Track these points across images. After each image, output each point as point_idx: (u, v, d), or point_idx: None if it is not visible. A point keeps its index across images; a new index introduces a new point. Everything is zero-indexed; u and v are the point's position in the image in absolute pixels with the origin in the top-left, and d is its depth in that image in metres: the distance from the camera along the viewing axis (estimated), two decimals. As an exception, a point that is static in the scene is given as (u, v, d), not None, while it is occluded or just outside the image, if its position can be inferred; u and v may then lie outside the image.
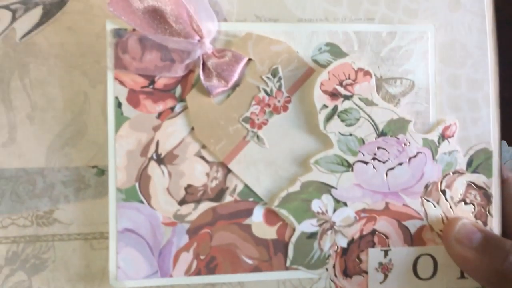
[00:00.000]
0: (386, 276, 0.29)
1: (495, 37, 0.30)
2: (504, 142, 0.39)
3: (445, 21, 0.29)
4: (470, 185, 0.29)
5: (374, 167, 0.29)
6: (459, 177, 0.29)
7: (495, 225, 0.29)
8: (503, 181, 0.29)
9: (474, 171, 0.29)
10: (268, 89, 0.28)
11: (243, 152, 0.28)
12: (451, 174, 0.29)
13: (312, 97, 0.28)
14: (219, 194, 0.28)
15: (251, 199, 0.28)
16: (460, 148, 0.29)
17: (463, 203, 0.29)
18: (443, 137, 0.29)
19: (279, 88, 0.28)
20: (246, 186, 0.28)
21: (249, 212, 0.28)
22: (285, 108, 0.28)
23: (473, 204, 0.29)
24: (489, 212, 0.29)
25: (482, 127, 0.29)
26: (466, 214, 0.29)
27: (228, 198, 0.28)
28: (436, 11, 0.29)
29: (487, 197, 0.29)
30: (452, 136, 0.29)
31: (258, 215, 0.28)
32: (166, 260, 0.27)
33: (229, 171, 0.28)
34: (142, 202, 0.27)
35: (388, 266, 0.29)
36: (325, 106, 0.28)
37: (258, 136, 0.28)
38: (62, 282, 0.27)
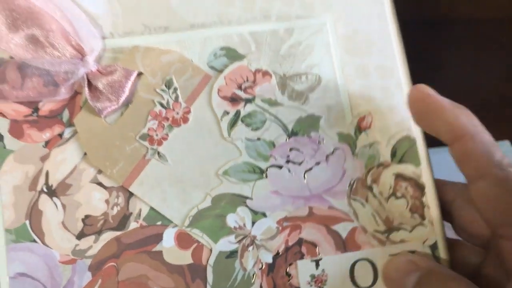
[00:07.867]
0: (321, 290, 0.26)
1: (396, 23, 0.28)
2: (507, 142, 0.37)
3: (344, 11, 0.28)
4: (399, 177, 0.27)
5: (289, 170, 0.26)
6: (385, 170, 0.27)
7: (434, 216, 0.27)
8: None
9: (400, 162, 0.27)
10: (164, 102, 0.26)
11: (144, 172, 0.26)
12: (376, 167, 0.27)
13: (211, 104, 0.26)
14: (122, 222, 0.25)
15: (159, 223, 0.25)
16: (381, 139, 0.27)
17: (393, 197, 0.27)
18: (359, 129, 0.27)
19: (176, 99, 0.26)
20: (152, 209, 0.25)
21: (158, 237, 0.25)
22: (185, 120, 0.26)
23: (405, 197, 0.27)
24: (424, 204, 0.27)
25: (400, 114, 0.27)
26: (399, 208, 0.27)
27: (133, 225, 0.25)
28: (333, 2, 0.28)
29: (419, 187, 0.27)
30: (369, 127, 0.27)
31: (169, 240, 0.25)
32: (68, 303, 0.24)
33: (131, 195, 0.26)
34: (35, 241, 0.25)
35: (322, 278, 0.26)
36: (227, 113, 0.26)
37: (159, 153, 0.26)
38: None
